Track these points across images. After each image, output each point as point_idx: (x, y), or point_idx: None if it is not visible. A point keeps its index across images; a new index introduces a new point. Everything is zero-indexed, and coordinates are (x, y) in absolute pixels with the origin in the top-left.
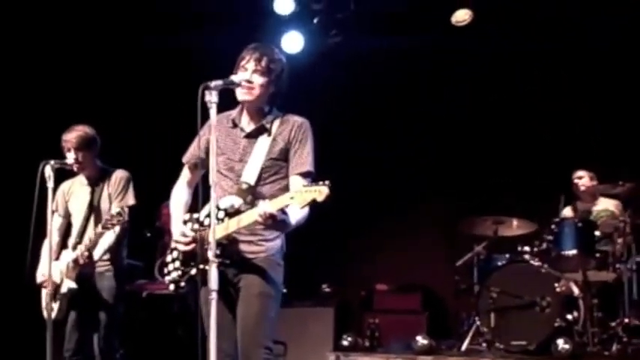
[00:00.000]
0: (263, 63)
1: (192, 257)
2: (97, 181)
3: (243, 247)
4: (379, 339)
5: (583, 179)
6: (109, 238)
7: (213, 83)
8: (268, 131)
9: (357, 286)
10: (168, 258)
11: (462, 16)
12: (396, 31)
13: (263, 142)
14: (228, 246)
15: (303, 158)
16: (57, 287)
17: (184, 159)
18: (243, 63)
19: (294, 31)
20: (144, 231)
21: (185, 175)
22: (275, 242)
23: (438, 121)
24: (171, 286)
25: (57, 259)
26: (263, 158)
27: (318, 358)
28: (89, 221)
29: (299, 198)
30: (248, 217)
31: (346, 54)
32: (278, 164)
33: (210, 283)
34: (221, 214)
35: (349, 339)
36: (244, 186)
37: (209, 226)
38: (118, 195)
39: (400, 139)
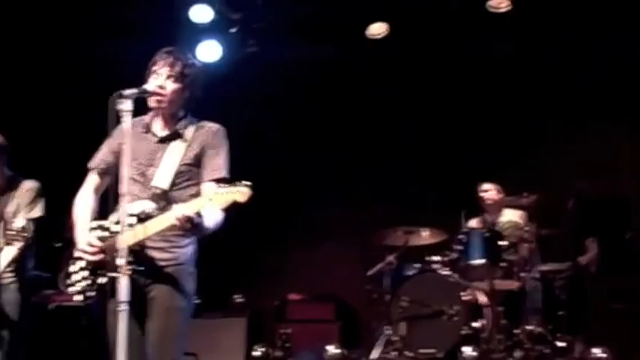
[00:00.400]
0: (177, 68)
1: (102, 266)
2: (4, 189)
3: (154, 254)
4: (291, 349)
5: (489, 192)
6: (11, 252)
7: (126, 92)
8: (182, 137)
9: (269, 296)
10: (73, 268)
11: (377, 30)
12: (312, 41)
13: (177, 147)
14: (140, 253)
15: (218, 164)
16: None
17: (91, 164)
18: (155, 68)
19: (212, 40)
20: (52, 241)
21: (92, 180)
22: (187, 249)
23: (352, 131)
24: (79, 297)
25: None
26: (177, 163)
27: None
28: None
29: (219, 199)
30: (162, 222)
31: (263, 63)
32: (192, 170)
33: (120, 294)
34: (132, 220)
35: (261, 349)
36: (157, 191)
37: (119, 233)
38: (26, 206)
39: (314, 148)
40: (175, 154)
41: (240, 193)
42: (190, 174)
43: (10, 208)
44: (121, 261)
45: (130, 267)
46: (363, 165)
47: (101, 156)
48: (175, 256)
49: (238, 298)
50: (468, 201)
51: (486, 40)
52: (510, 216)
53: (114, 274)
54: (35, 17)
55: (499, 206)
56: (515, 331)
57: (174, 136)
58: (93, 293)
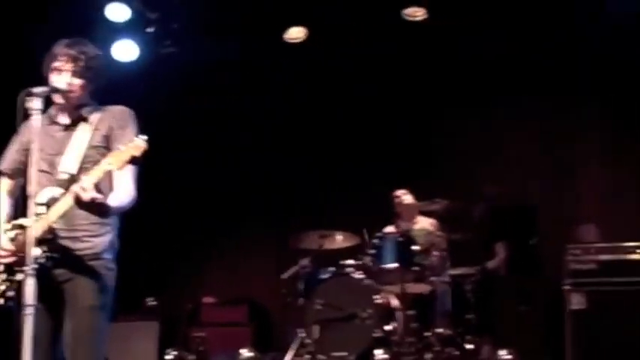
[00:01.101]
0: (81, 63)
1: (18, 264)
2: None
3: (69, 244)
4: (205, 352)
5: (404, 197)
6: None
7: (36, 90)
8: (88, 121)
9: (183, 299)
10: None
11: (295, 34)
12: (229, 42)
13: (83, 132)
14: (54, 242)
15: (126, 140)
16: None
17: (2, 166)
18: (58, 64)
19: (128, 39)
20: None
21: (4, 184)
22: (103, 238)
23: (268, 132)
24: (1, 300)
25: None
26: (84, 147)
27: None
28: None
29: (116, 159)
30: (64, 203)
31: (180, 63)
32: (100, 151)
33: (26, 297)
34: (41, 209)
35: (174, 353)
36: (65, 176)
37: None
38: None
39: (231, 151)
40: (82, 139)
41: (136, 147)
42: (97, 157)
43: None
44: (35, 251)
45: (44, 255)
46: (279, 168)
47: (10, 156)
48: (91, 246)
49: (151, 302)
50: (383, 206)
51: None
52: (423, 223)
53: (29, 268)
54: None
55: (412, 212)
56: (425, 333)
57: (80, 121)
58: (12, 293)
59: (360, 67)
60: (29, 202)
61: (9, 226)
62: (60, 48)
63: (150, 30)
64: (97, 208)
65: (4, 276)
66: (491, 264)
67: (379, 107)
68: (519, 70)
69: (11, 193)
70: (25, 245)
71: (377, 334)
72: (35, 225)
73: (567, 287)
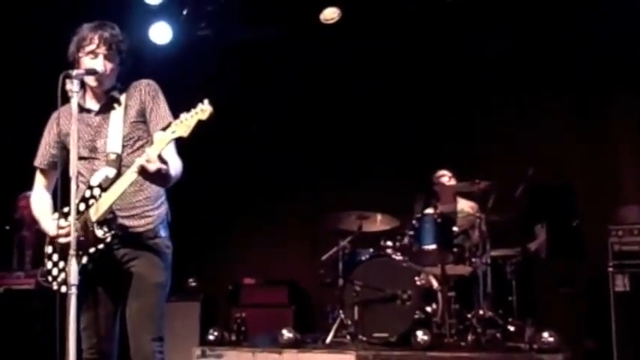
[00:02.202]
0: (113, 46)
1: (77, 248)
2: None
3: (127, 222)
4: (246, 333)
5: (444, 177)
6: None
7: (74, 72)
8: (118, 101)
9: (224, 280)
10: (49, 264)
11: (330, 14)
12: (264, 25)
13: (117, 113)
14: (113, 220)
15: (162, 113)
16: None
17: (37, 162)
18: (92, 47)
19: (163, 21)
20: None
21: (39, 180)
22: (160, 211)
23: (306, 115)
24: (64, 288)
25: None
26: (121, 125)
27: (184, 353)
28: None
29: (182, 127)
30: (124, 181)
31: (215, 46)
32: (139, 127)
33: (70, 278)
34: (96, 192)
35: (215, 333)
36: (112, 156)
37: (87, 209)
38: None
39: (268, 132)
40: (117, 119)
41: (202, 111)
42: (139, 132)
43: None
44: (98, 232)
45: (109, 233)
46: (317, 149)
47: (43, 152)
48: (150, 221)
49: (192, 282)
50: (422, 187)
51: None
52: (463, 205)
53: (93, 249)
54: None
55: (453, 193)
56: (467, 315)
57: (111, 103)
58: (78, 277)
59: (402, 50)
60: (72, 186)
61: (56, 215)
62: (91, 31)
63: (185, 12)
64: (161, 177)
65: (63, 264)
66: (532, 245)
67: (420, 89)
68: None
69: (47, 188)
70: (83, 227)
71: (417, 315)
72: (94, 207)
73: (611, 269)
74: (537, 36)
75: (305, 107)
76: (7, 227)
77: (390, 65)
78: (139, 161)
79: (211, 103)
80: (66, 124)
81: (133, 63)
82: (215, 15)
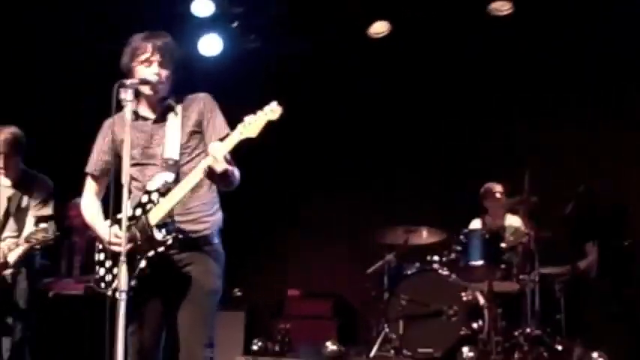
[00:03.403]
0: (167, 55)
1: (133, 253)
2: (18, 183)
3: (185, 227)
4: (289, 344)
5: (495, 191)
6: (22, 248)
7: (128, 81)
8: (174, 110)
9: (268, 291)
10: (102, 271)
11: (379, 28)
12: (314, 37)
13: (174, 122)
14: (172, 224)
15: (219, 125)
16: None
17: (89, 169)
18: (146, 56)
19: (213, 33)
20: None
21: (90, 186)
22: (216, 216)
23: (354, 128)
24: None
25: None
26: (179, 134)
27: None
28: (7, 224)
29: (250, 128)
30: (188, 182)
31: (265, 58)
32: (196, 137)
33: (120, 283)
34: (154, 196)
35: (259, 344)
36: (171, 162)
37: (144, 213)
38: (38, 203)
39: (315, 145)
40: (175, 127)
41: (272, 111)
42: (195, 142)
43: (24, 204)
44: (157, 235)
45: (169, 235)
46: (365, 163)
47: (95, 158)
48: (207, 226)
49: (237, 292)
50: (469, 201)
51: (486, 40)
52: (512, 220)
53: (152, 253)
54: (33, 15)
55: (502, 208)
56: (514, 333)
57: (167, 112)
58: (134, 282)
59: (446, 63)
60: (124, 193)
61: (109, 222)
62: (143, 40)
63: (235, 25)
64: (227, 178)
65: (116, 270)
66: (582, 264)
67: (471, 103)
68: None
69: (98, 194)
70: (142, 231)
71: (463, 331)
72: (153, 211)
73: None
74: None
75: (352, 120)
76: (57, 233)
77: (440, 79)
78: (205, 162)
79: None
80: (120, 132)
81: (185, 73)
82: (264, 27)
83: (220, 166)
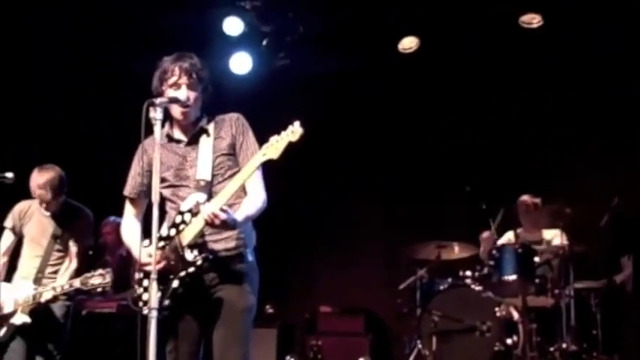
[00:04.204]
0: (194, 75)
1: (167, 273)
2: (59, 213)
3: (216, 246)
4: None
5: (531, 204)
6: (70, 272)
7: (158, 100)
8: (207, 132)
9: (300, 307)
10: (140, 290)
11: (408, 44)
12: (343, 54)
13: (206, 143)
14: (203, 244)
15: (251, 146)
16: (6, 315)
17: (126, 192)
18: (174, 79)
19: (243, 52)
20: None
21: (129, 208)
22: (247, 235)
23: (383, 144)
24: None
25: (6, 279)
26: (211, 157)
27: None
28: (51, 253)
29: (272, 150)
30: (195, 225)
31: (294, 76)
32: (229, 159)
33: (151, 301)
34: (187, 217)
35: None
36: (202, 183)
37: (178, 233)
38: (81, 234)
39: (344, 162)
40: (207, 150)
41: (293, 132)
42: (229, 163)
43: (66, 234)
44: (188, 255)
45: (199, 256)
46: (397, 179)
47: (131, 182)
48: (238, 244)
49: (269, 309)
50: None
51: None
52: (547, 234)
53: (183, 273)
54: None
55: (538, 221)
56: (549, 348)
57: (199, 134)
58: (168, 301)
59: (474, 76)
60: (153, 209)
61: (147, 242)
62: (171, 63)
63: (264, 43)
64: (229, 226)
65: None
66: (618, 278)
67: (497, 117)
68: None
69: (137, 216)
70: (173, 251)
71: (497, 347)
72: (184, 232)
73: None
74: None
75: (383, 136)
76: (91, 252)
77: (467, 91)
78: (205, 211)
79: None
80: (153, 154)
81: (215, 92)
82: (294, 45)
83: (217, 221)
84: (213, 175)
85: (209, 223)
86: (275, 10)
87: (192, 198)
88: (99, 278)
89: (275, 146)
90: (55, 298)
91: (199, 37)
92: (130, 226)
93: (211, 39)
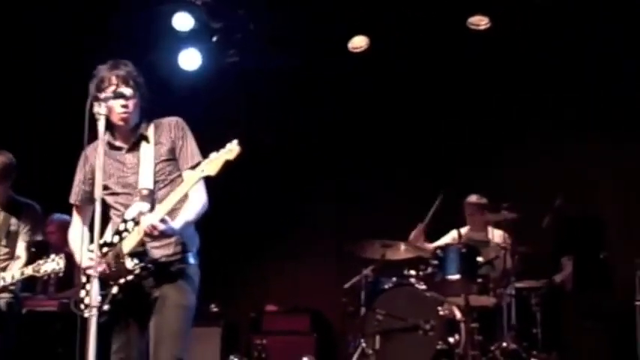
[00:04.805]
0: (131, 82)
1: (108, 278)
2: (6, 208)
3: (158, 251)
4: None
5: (475, 203)
6: (24, 272)
7: (102, 95)
8: (147, 138)
9: (245, 306)
10: (82, 293)
11: (358, 43)
12: (292, 52)
13: (146, 150)
14: (145, 252)
15: (190, 152)
16: None
17: (72, 199)
18: (111, 88)
19: (193, 48)
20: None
21: (75, 215)
22: (190, 239)
23: (328, 140)
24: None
25: None
26: (152, 163)
27: None
28: None
29: (211, 166)
30: (134, 237)
31: (243, 73)
32: (169, 164)
33: (91, 299)
34: (130, 225)
35: (236, 359)
36: (145, 192)
37: (121, 241)
38: (29, 229)
39: (291, 160)
40: (147, 156)
41: (230, 151)
42: (169, 168)
43: (13, 228)
44: (128, 264)
45: (138, 266)
46: (342, 177)
47: (75, 189)
48: (178, 250)
49: (214, 308)
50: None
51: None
52: (491, 234)
53: (122, 280)
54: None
55: (484, 221)
56: (490, 347)
57: (140, 140)
58: (107, 306)
59: (422, 75)
60: (96, 205)
61: (90, 246)
62: (108, 71)
63: (214, 40)
64: (168, 236)
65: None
66: (558, 277)
67: (446, 115)
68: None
69: (84, 222)
70: (115, 258)
71: (440, 346)
72: (126, 240)
73: (638, 303)
74: None
75: (330, 134)
76: (34, 249)
77: (413, 89)
78: (144, 223)
79: (239, 143)
80: (96, 161)
81: (165, 88)
82: (243, 42)
83: (155, 232)
84: (155, 182)
85: (148, 234)
86: (225, 6)
87: (136, 207)
88: (52, 264)
89: (214, 163)
90: (3, 290)
91: (149, 34)
92: (75, 232)
93: (161, 35)
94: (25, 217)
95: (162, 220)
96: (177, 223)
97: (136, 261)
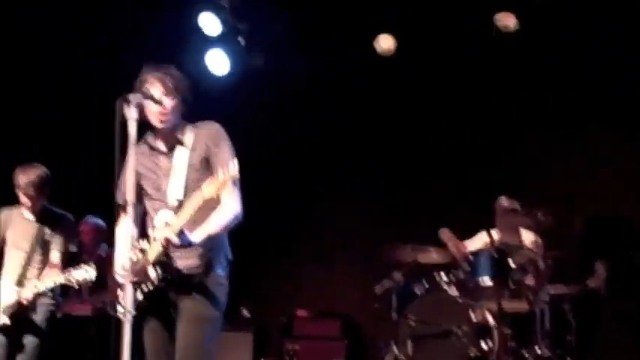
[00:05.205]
0: (169, 84)
1: (138, 284)
2: (41, 219)
3: (182, 262)
4: None
5: (507, 207)
6: (59, 279)
7: (131, 95)
8: (183, 144)
9: (276, 311)
10: (120, 294)
11: (385, 43)
12: (321, 54)
13: (181, 155)
14: (169, 262)
15: (223, 158)
16: None
17: (118, 200)
18: (148, 87)
19: (221, 51)
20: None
21: (123, 214)
22: (215, 249)
23: (362, 146)
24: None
25: None
26: (185, 170)
27: None
28: (33, 257)
29: (212, 188)
30: (155, 248)
31: (271, 74)
32: (200, 172)
33: (127, 303)
34: (157, 234)
35: None
36: (175, 202)
37: (148, 249)
38: (64, 240)
39: (322, 163)
40: (182, 162)
41: (230, 176)
42: (202, 177)
43: (47, 238)
44: (151, 273)
45: (159, 276)
46: (373, 180)
47: (121, 190)
48: (205, 262)
49: (245, 312)
50: (480, 219)
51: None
52: (524, 238)
53: (145, 288)
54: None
55: (515, 225)
56: (524, 353)
57: (176, 145)
58: (135, 312)
59: (452, 78)
60: (128, 209)
61: (133, 250)
62: (146, 72)
63: (241, 42)
64: (185, 247)
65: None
66: (591, 283)
67: (476, 119)
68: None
69: (133, 221)
70: (142, 267)
71: (472, 352)
72: (151, 249)
73: None
74: None
75: (362, 137)
76: (75, 250)
77: (447, 96)
78: (163, 234)
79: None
80: (140, 164)
81: (194, 100)
82: (271, 45)
83: (172, 247)
84: (185, 190)
85: (165, 247)
86: (252, 7)
87: (163, 216)
88: (83, 273)
89: (214, 186)
90: (36, 298)
91: (176, 36)
92: (121, 231)
93: (188, 38)
94: (59, 227)
95: (181, 233)
96: (196, 236)
97: (158, 270)
